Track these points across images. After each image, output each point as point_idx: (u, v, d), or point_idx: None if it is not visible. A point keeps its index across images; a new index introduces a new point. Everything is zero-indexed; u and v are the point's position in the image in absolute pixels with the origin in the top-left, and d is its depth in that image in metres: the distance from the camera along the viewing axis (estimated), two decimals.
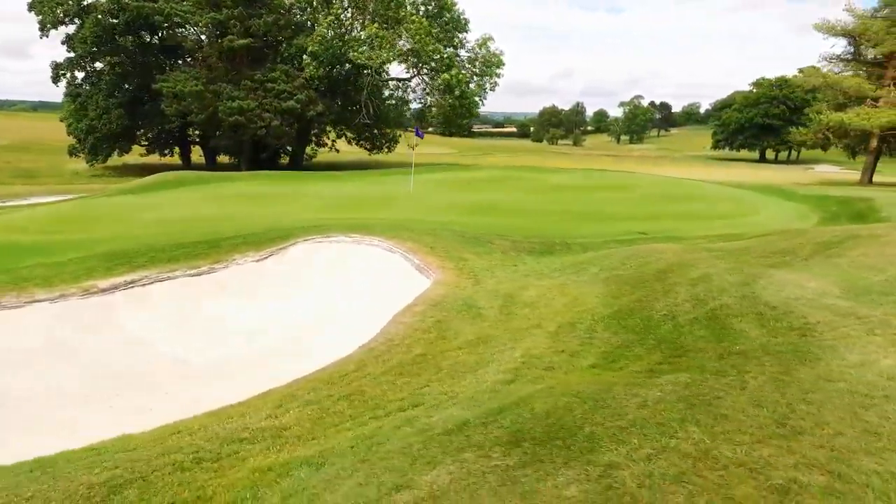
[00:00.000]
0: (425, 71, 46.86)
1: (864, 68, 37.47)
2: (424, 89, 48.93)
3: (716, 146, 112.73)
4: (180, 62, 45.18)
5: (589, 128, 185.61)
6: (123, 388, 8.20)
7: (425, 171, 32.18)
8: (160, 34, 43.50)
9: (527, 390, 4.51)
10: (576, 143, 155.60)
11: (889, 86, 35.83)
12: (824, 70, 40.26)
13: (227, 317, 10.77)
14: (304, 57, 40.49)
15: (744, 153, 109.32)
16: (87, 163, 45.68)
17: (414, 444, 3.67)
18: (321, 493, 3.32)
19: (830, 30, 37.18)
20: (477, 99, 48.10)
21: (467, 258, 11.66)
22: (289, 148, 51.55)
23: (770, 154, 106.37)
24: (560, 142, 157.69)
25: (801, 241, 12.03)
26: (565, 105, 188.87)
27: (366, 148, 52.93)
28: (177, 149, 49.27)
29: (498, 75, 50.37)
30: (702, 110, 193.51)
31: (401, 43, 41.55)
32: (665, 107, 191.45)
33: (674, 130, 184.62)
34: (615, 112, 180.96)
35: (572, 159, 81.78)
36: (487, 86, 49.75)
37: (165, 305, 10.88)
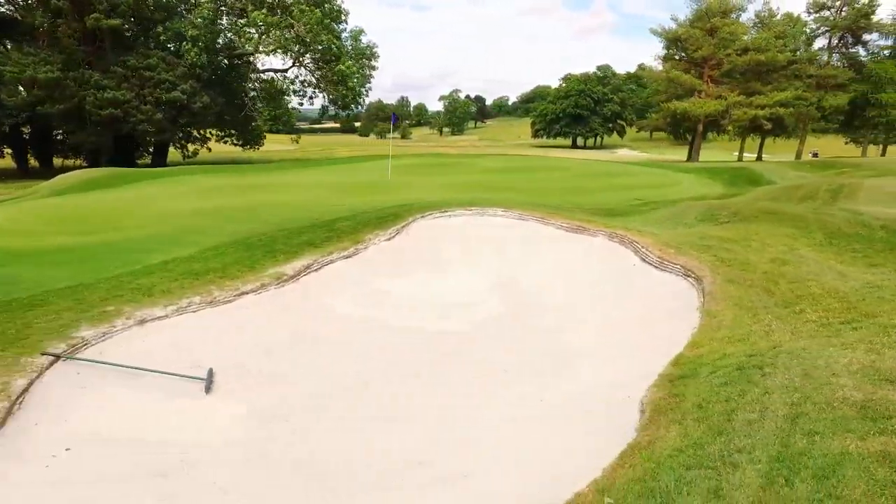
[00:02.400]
0: (307, 61, 45.41)
1: (694, 68, 46.52)
2: (304, 81, 47.35)
3: (535, 135, 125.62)
4: (10, 43, 37.14)
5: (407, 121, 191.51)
6: (446, 360, 8.33)
7: (365, 160, 31.96)
8: None
9: None
10: (404, 137, 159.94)
11: (707, 81, 45.18)
12: (656, 67, 48.98)
13: (422, 291, 10.87)
14: (184, 43, 36.56)
15: (559, 140, 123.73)
16: None
17: None
18: None
19: (663, 34, 45.46)
20: (362, 90, 48.09)
21: (594, 220, 13.22)
22: (150, 149, 45.94)
23: (580, 141, 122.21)
24: (388, 135, 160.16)
25: (807, 192, 16.00)
26: (382, 99, 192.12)
27: (237, 144, 49.34)
28: (8, 150, 40.47)
29: (373, 67, 50.95)
30: (510, 103, 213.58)
31: (287, 32, 39.74)
32: (479, 100, 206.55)
33: (489, 122, 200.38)
34: (432, 106, 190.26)
35: (429, 149, 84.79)
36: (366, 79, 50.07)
37: (353, 285, 10.58)
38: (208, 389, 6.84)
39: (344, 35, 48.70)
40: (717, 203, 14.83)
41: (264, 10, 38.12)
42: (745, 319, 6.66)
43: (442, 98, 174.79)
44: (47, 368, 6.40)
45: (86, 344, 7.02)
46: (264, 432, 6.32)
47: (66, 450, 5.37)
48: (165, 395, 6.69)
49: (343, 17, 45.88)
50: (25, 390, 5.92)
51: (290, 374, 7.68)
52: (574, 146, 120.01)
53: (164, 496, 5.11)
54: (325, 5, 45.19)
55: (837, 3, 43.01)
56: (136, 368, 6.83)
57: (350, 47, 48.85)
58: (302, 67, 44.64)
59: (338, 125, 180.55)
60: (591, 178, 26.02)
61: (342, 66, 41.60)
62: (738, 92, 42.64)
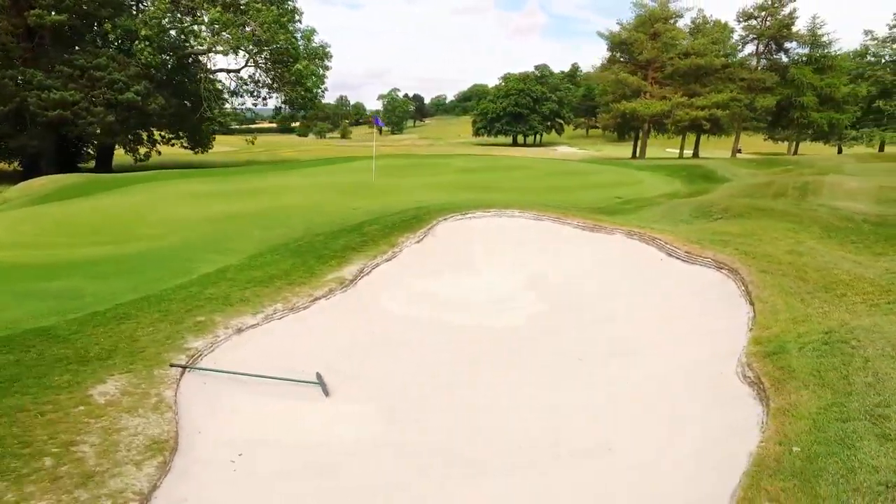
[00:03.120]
0: (261, 60, 44.42)
1: (639, 70, 49.30)
2: (258, 81, 46.31)
3: (477, 133, 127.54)
4: None
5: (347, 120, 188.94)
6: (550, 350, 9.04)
7: (340, 161, 31.86)
8: None
9: None
10: (344, 136, 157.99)
11: (651, 83, 48.08)
12: (595, 67, 51.48)
13: (464, 290, 11.49)
14: (136, 42, 34.95)
15: (500, 138, 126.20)
16: None
17: None
18: None
19: (609, 37, 47.92)
20: (317, 91, 47.57)
21: (603, 218, 14.28)
22: (90, 151, 43.64)
23: (519, 139, 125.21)
24: (328, 135, 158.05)
25: (777, 189, 17.77)
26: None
27: (187, 146, 47.57)
28: None
29: (327, 68, 50.48)
30: (447, 101, 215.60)
31: (242, 31, 38.84)
32: (418, 98, 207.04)
33: (427, 120, 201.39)
34: (368, 105, 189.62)
35: (382, 149, 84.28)
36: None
37: (402, 287, 11.08)
38: (327, 392, 7.20)
39: (298, 35, 48.02)
40: (704, 200, 16.31)
41: (218, 8, 37.03)
42: (795, 303, 7.76)
43: (381, 97, 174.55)
44: (180, 379, 6.60)
45: (199, 354, 7.23)
46: (396, 427, 6.80)
47: (239, 455, 5.67)
48: (290, 399, 7.02)
49: (297, 17, 45.28)
50: (174, 401, 6.13)
51: (387, 372, 8.12)
52: (514, 144, 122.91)
53: (335, 490, 5.55)
54: (281, 5, 44.46)
55: (763, 14, 47.07)
56: (255, 376, 7.12)
57: (303, 47, 48.20)
58: (256, 67, 43.66)
59: (274, 125, 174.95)
60: (565, 177, 27.37)
61: (299, 65, 41.07)
62: (682, 93, 45.79)
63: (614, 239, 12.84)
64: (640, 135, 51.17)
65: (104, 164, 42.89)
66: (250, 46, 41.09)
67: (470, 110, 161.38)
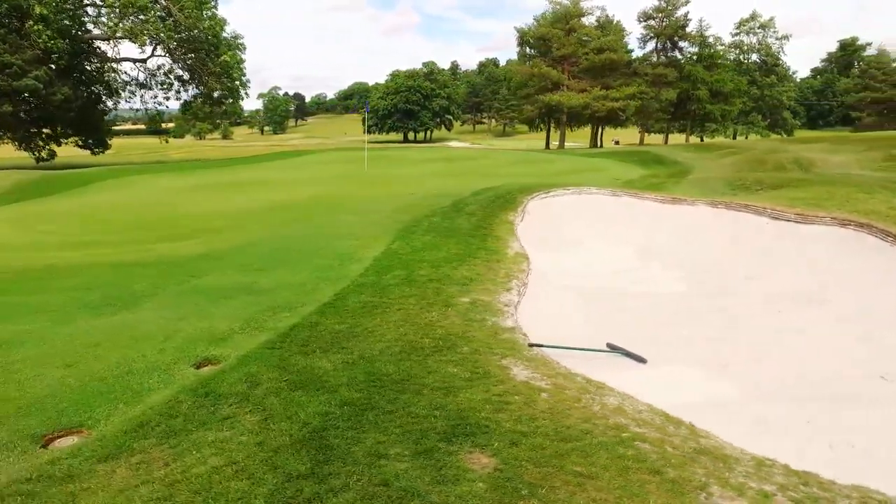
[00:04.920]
0: (174, 48, 40.08)
1: (556, 65, 51.91)
2: (168, 71, 41.75)
3: (368, 130, 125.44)
4: None
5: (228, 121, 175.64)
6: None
7: (285, 157, 29.83)
8: None
9: None
10: (225, 137, 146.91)
11: (568, 77, 50.97)
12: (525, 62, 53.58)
13: (597, 261, 11.58)
14: (31, 23, 29.79)
15: (392, 135, 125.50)
16: None
17: None
18: None
19: (526, 32, 49.95)
20: (238, 83, 44.10)
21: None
22: None
23: (410, 135, 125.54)
24: (208, 136, 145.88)
25: (775, 164, 19.87)
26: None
27: (82, 146, 41.58)
28: None
29: (242, 60, 47.06)
30: (328, 99, 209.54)
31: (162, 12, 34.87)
32: (299, 97, 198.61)
33: (310, 119, 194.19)
34: (246, 104, 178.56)
35: (269, 148, 79.74)
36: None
37: (551, 261, 10.96)
38: (643, 360, 6.99)
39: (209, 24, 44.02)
40: (732, 176, 17.78)
41: None
42: None
43: (261, 95, 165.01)
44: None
45: (526, 334, 6.63)
46: (730, 383, 6.78)
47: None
48: (616, 370, 6.69)
49: (213, 4, 41.46)
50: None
51: (654, 338, 7.93)
52: (405, 140, 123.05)
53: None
54: None
55: (660, 15, 52.20)
56: (591, 350, 6.90)
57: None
58: (174, 60, 39.31)
59: (143, 126, 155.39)
60: (532, 164, 28.38)
61: (226, 56, 37.73)
62: (600, 86, 49.20)
63: (701, 210, 13.58)
64: (555, 126, 54.20)
65: None
66: (162, 35, 36.87)
67: (353, 108, 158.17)
